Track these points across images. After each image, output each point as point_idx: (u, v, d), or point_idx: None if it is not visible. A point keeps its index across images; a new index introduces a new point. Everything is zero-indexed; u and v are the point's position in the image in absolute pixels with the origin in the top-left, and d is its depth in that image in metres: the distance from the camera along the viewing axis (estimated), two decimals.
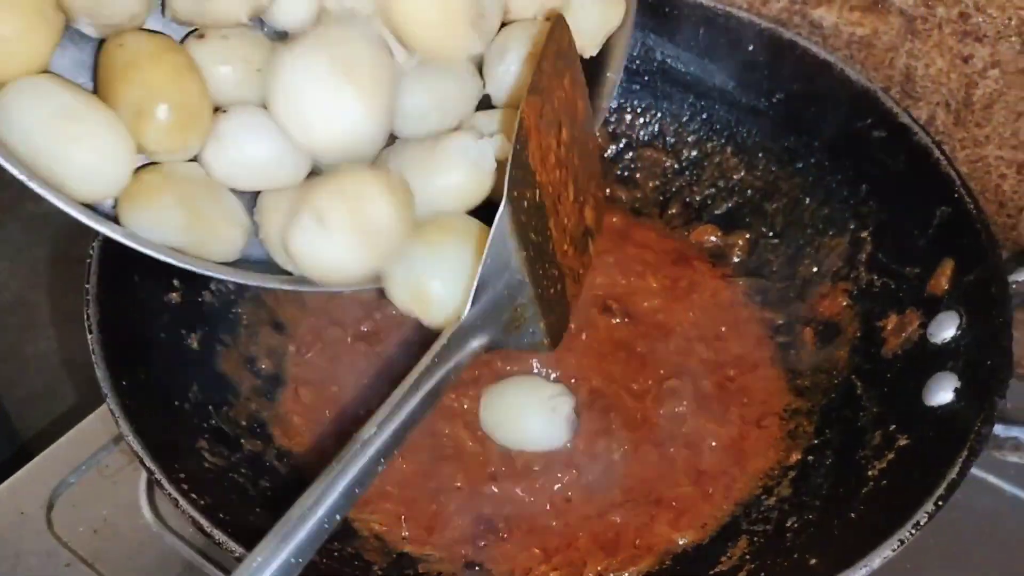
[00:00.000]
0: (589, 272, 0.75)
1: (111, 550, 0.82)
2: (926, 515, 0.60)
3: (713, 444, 0.79)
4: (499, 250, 0.58)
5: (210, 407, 0.75)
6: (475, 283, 0.59)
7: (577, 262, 0.71)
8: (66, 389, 1.43)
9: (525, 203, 0.59)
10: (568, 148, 0.67)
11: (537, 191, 0.61)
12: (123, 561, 0.81)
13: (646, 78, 0.97)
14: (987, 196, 0.91)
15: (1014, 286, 0.72)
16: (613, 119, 0.99)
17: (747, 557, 0.70)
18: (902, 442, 0.70)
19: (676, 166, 0.97)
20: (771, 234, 0.92)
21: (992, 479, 0.86)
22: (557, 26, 0.65)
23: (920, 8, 0.85)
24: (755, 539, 0.72)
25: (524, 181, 0.59)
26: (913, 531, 0.59)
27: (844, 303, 0.84)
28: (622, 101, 0.98)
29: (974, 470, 0.83)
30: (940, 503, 0.60)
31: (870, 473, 0.70)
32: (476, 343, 0.61)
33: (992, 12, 0.81)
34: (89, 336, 0.67)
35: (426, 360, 0.58)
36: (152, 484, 0.83)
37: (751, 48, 0.90)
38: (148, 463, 0.62)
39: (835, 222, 0.87)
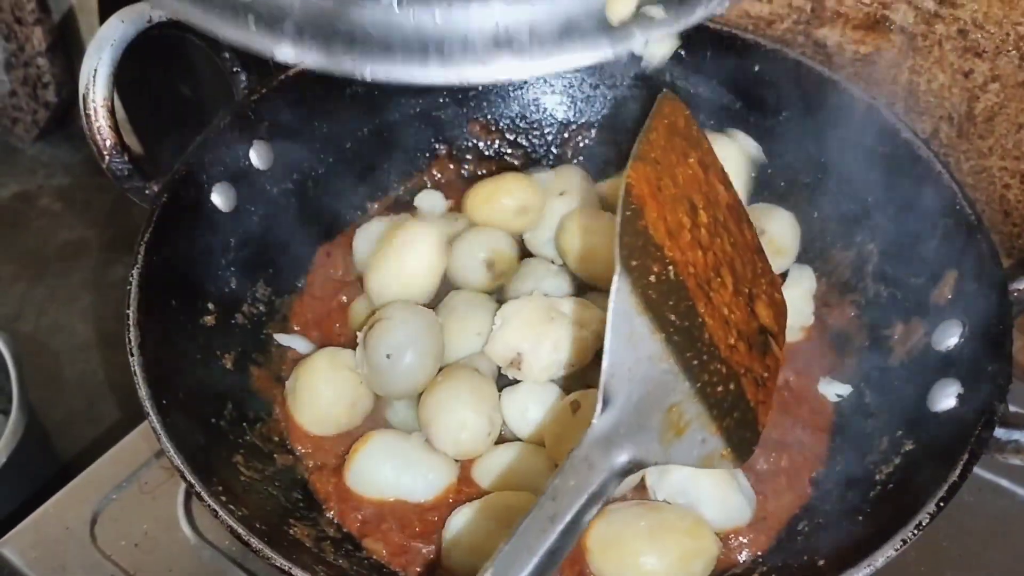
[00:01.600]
0: (776, 377, 0.67)
1: (152, 563, 0.85)
2: (928, 516, 0.62)
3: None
4: (625, 329, 0.52)
5: (244, 424, 0.79)
6: (603, 377, 0.51)
7: (755, 363, 0.63)
8: (104, 409, 1.48)
9: (652, 277, 0.54)
10: (711, 232, 0.63)
11: (670, 268, 0.56)
12: (163, 573, 0.85)
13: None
14: (992, 206, 0.93)
15: (1015, 294, 0.74)
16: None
17: (760, 560, 0.72)
18: (908, 447, 0.73)
19: None
20: None
21: (1004, 483, 0.88)
22: (665, 101, 0.66)
23: (920, 26, 0.87)
24: (768, 544, 0.74)
25: (646, 251, 0.55)
26: (916, 531, 0.62)
27: (852, 314, 0.86)
28: None
29: (986, 473, 0.86)
30: (942, 504, 0.63)
31: (877, 477, 0.72)
32: (622, 457, 0.51)
33: (990, 28, 0.84)
34: (131, 359, 0.71)
35: (550, 491, 0.48)
36: (190, 498, 0.87)
37: (757, 68, 0.92)
38: (188, 477, 0.65)
39: (842, 235, 0.89)
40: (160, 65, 0.91)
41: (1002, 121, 0.88)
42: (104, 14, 0.82)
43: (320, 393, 0.80)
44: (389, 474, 0.76)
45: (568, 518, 0.48)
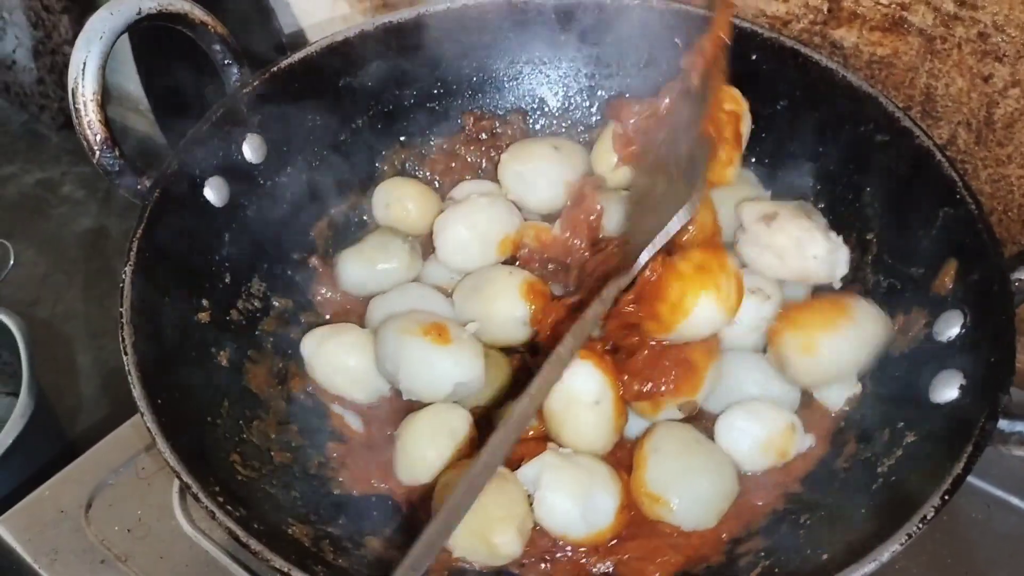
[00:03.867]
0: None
1: (143, 549, 0.86)
2: (933, 509, 0.62)
3: None
4: None
5: (241, 422, 0.78)
6: None
7: None
8: (115, 396, 1.49)
9: None
10: None
11: None
12: (154, 560, 0.85)
13: (652, 89, 0.99)
14: (1011, 215, 0.91)
15: (1016, 284, 0.73)
16: None
17: (762, 554, 0.72)
18: (910, 439, 0.72)
19: None
20: None
21: (1014, 500, 0.88)
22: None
23: (939, 28, 0.85)
24: (771, 536, 0.74)
25: None
26: (920, 525, 0.61)
27: None
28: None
29: (996, 490, 0.87)
30: (947, 497, 0.62)
31: (879, 470, 0.72)
32: None
33: (1011, 32, 0.81)
34: (125, 358, 0.70)
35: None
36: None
37: (754, 57, 0.92)
38: (185, 477, 0.65)
39: (842, 225, 0.88)
40: (186, 59, 0.90)
41: (1022, 128, 0.85)
42: None
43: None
44: None
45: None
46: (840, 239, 0.83)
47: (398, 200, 0.95)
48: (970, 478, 0.87)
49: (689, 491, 0.74)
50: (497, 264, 0.90)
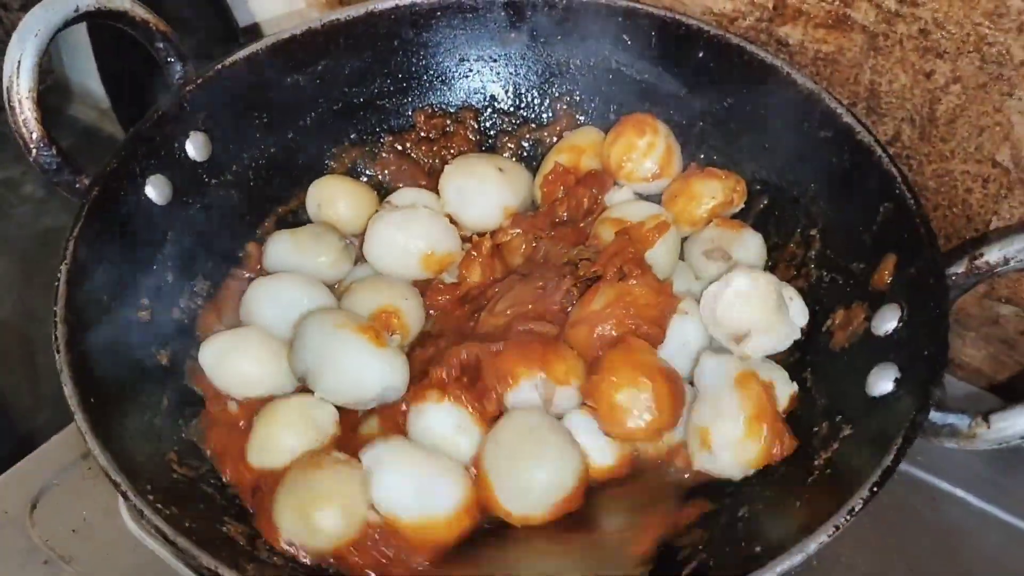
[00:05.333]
0: None
1: (87, 549, 0.85)
2: (861, 501, 0.62)
3: None
4: None
5: (180, 421, 0.78)
6: None
7: None
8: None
9: None
10: None
11: None
12: (99, 560, 0.84)
13: (602, 87, 1.00)
14: (955, 210, 0.92)
15: (952, 278, 0.74)
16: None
17: (700, 547, 0.72)
18: (846, 432, 0.72)
19: None
20: None
21: (933, 480, 0.90)
22: None
23: (882, 25, 0.86)
24: (712, 529, 0.74)
25: None
26: (848, 517, 0.61)
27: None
28: (577, 105, 1.02)
29: (914, 469, 0.87)
30: (875, 489, 0.62)
31: (816, 463, 0.72)
32: None
33: (951, 28, 0.82)
34: (57, 356, 0.70)
35: None
36: None
37: (700, 54, 0.92)
38: (114, 476, 0.64)
39: (786, 221, 0.89)
40: (143, 55, 0.89)
41: (964, 123, 0.86)
42: None
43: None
44: None
45: None
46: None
47: (329, 200, 0.95)
48: (916, 471, 0.89)
49: (516, 479, 0.73)
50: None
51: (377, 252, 0.90)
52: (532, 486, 0.73)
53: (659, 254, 0.87)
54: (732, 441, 0.74)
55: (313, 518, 0.69)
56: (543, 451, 0.74)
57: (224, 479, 0.76)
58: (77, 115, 1.97)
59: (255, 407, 0.79)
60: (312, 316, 0.80)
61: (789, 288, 0.83)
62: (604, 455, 0.77)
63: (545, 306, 0.83)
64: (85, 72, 1.85)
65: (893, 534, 0.85)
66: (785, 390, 0.78)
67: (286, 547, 0.70)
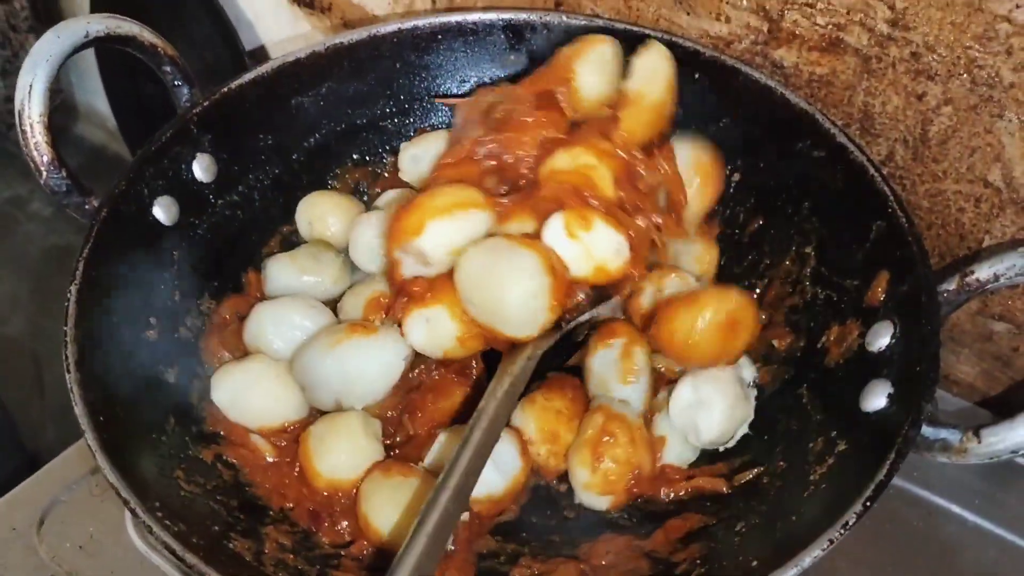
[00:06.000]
0: None
1: (94, 566, 0.86)
2: (855, 515, 0.63)
3: None
4: None
5: (187, 438, 0.79)
6: None
7: None
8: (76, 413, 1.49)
9: None
10: None
11: None
12: None
13: None
14: (948, 229, 0.93)
15: (944, 295, 0.75)
16: None
17: (698, 561, 0.73)
18: (841, 447, 0.74)
19: None
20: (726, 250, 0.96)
21: (928, 495, 0.90)
22: None
23: (874, 48, 0.87)
24: (709, 543, 0.75)
25: None
26: (843, 531, 0.63)
27: (791, 316, 0.88)
28: None
29: (909, 485, 0.88)
30: (869, 503, 0.64)
31: (812, 478, 0.73)
32: None
33: (941, 52, 0.84)
34: (67, 376, 0.71)
35: None
36: None
37: (697, 76, 0.94)
38: (124, 493, 0.65)
39: (781, 239, 0.91)
40: (152, 76, 0.91)
41: (955, 144, 0.88)
42: None
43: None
44: None
45: None
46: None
47: (319, 217, 0.95)
48: (911, 487, 0.91)
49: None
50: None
51: (363, 257, 0.90)
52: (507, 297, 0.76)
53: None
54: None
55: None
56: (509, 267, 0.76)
57: (278, 508, 0.79)
58: (84, 134, 1.99)
59: (291, 448, 0.82)
60: (304, 353, 0.82)
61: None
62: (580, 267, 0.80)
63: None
64: (93, 92, 1.88)
65: (888, 548, 0.86)
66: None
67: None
